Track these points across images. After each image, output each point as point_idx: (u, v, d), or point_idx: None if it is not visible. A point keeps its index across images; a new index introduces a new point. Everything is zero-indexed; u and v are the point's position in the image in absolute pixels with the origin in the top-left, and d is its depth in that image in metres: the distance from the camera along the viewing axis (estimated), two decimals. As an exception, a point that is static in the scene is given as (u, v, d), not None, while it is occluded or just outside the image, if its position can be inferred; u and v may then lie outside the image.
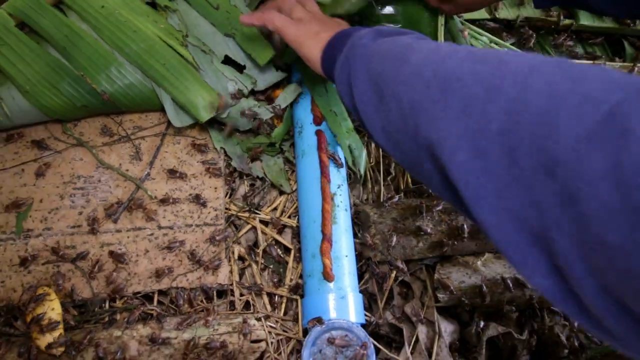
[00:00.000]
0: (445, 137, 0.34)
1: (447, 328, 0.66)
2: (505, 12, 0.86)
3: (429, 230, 0.67)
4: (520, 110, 0.30)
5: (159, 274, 0.65)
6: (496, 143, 0.31)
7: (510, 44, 0.82)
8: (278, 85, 0.75)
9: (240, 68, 0.72)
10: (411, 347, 0.65)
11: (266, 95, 0.75)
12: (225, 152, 0.73)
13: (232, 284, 0.67)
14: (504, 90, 0.31)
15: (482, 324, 0.65)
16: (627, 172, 0.24)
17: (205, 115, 0.68)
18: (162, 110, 0.72)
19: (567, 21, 0.87)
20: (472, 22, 0.83)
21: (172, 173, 0.70)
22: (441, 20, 0.74)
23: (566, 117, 0.27)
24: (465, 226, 0.67)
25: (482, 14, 0.85)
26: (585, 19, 0.88)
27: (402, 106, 0.39)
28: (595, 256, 0.26)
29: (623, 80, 0.27)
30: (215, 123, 0.74)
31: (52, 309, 0.61)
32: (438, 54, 0.39)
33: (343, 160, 0.71)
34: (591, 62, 0.86)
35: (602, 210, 0.25)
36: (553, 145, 0.27)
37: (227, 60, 0.72)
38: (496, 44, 0.80)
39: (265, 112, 0.72)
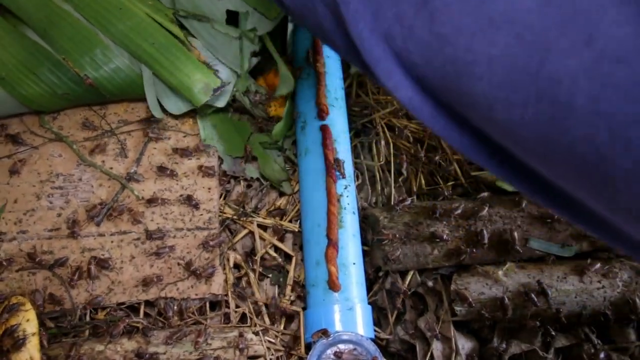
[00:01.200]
0: None
1: (464, 345, 0.62)
2: None
3: (444, 237, 0.63)
4: None
5: (145, 283, 0.60)
6: None
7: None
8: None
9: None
10: (425, 365, 0.61)
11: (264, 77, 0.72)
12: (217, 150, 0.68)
13: (226, 295, 0.62)
14: None
15: (504, 342, 0.61)
16: None
17: (202, 98, 0.64)
18: (151, 100, 0.68)
19: None
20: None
21: (162, 171, 0.65)
22: None
23: None
24: (485, 232, 0.63)
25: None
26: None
27: None
28: (436, 56, 0.31)
29: None
30: (207, 117, 0.69)
31: (27, 320, 0.57)
32: None
33: (351, 170, 0.67)
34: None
35: (441, 5, 0.29)
36: None
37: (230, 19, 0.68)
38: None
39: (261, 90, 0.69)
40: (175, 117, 0.69)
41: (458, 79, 0.30)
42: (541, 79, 0.25)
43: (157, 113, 0.66)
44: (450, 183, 0.73)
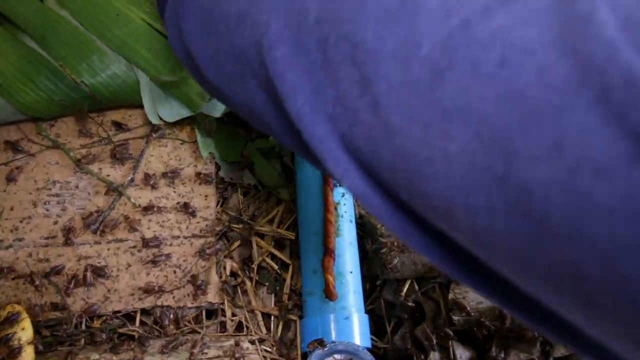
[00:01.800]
0: (264, 33, 0.32)
1: (462, 354, 0.62)
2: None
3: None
4: None
5: (142, 291, 0.60)
6: (313, 36, 0.30)
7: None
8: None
9: None
10: (422, 375, 0.61)
11: None
12: (214, 157, 0.68)
13: (223, 303, 0.62)
14: None
15: (502, 352, 0.61)
16: (409, 46, 0.24)
17: (198, 102, 0.64)
18: (148, 106, 0.68)
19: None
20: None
21: (160, 178, 0.65)
22: None
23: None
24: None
25: None
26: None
27: (229, 20, 0.37)
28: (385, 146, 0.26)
29: None
30: (203, 125, 0.69)
31: (23, 329, 0.58)
32: None
33: None
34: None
35: (387, 89, 0.25)
36: (356, 30, 0.27)
37: None
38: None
39: None
40: (173, 124, 0.69)
41: (411, 176, 0.25)
42: (510, 186, 0.21)
43: (154, 119, 0.67)
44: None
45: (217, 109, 0.68)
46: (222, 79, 0.39)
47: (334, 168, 0.29)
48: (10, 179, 0.64)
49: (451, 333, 0.62)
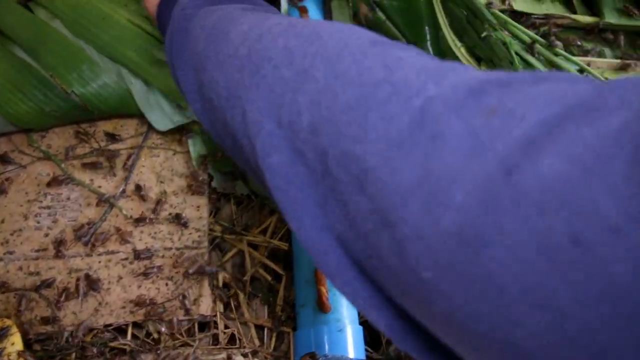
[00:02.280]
0: (257, 134, 0.29)
1: (458, 366, 0.61)
2: (522, 4, 0.81)
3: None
4: (328, 104, 0.25)
5: (133, 304, 0.60)
6: (310, 144, 0.26)
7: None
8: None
9: None
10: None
11: None
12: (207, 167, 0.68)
13: (215, 315, 0.62)
14: (312, 76, 0.27)
15: None
16: (436, 187, 0.19)
17: None
18: (139, 116, 0.69)
19: (591, 19, 0.82)
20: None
21: (150, 190, 0.65)
22: None
23: (375, 114, 0.23)
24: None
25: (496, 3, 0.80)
26: (611, 17, 0.83)
27: (219, 96, 0.34)
28: (416, 298, 0.21)
29: (439, 69, 0.23)
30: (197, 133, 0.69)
31: (12, 344, 0.58)
32: (261, 26, 0.33)
33: None
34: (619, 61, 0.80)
35: (413, 237, 0.20)
36: (362, 151, 0.23)
37: None
38: (519, 32, 0.75)
39: None
40: (165, 134, 0.69)
41: (458, 332, 0.21)
42: None
43: (160, 126, 0.67)
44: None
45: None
46: (222, 142, 0.37)
47: (341, 287, 0.26)
48: (0, 191, 0.64)
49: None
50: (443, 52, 0.77)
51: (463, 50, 0.75)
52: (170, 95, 0.65)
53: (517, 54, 0.73)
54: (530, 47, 0.74)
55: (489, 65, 0.75)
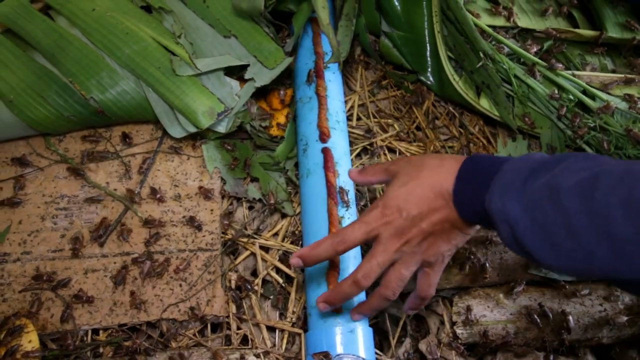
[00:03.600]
0: None
1: (466, 368, 0.63)
2: (526, 21, 0.85)
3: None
4: None
5: (147, 304, 0.62)
6: None
7: (534, 53, 0.80)
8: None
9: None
10: (427, 389, 0.62)
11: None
12: (220, 171, 0.71)
13: (228, 316, 0.64)
14: None
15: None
16: None
17: (204, 122, 0.67)
18: (155, 121, 0.71)
19: (593, 32, 0.85)
20: (493, 28, 0.81)
21: (165, 193, 0.68)
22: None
23: None
24: (487, 265, 0.65)
25: (501, 20, 0.83)
26: (614, 31, 0.86)
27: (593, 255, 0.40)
28: None
29: None
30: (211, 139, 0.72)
31: (29, 341, 0.59)
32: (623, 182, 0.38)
33: (352, 192, 0.68)
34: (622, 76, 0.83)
35: None
36: None
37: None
38: (521, 55, 0.78)
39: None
40: (179, 139, 0.71)
41: None
42: None
43: (175, 133, 0.69)
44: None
45: (222, 126, 0.70)
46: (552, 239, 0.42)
47: None
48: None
49: (462, 347, 0.63)
50: (443, 82, 0.80)
51: (461, 83, 0.78)
52: (188, 114, 0.67)
53: (516, 76, 0.76)
54: (531, 70, 0.77)
55: (486, 91, 0.78)
